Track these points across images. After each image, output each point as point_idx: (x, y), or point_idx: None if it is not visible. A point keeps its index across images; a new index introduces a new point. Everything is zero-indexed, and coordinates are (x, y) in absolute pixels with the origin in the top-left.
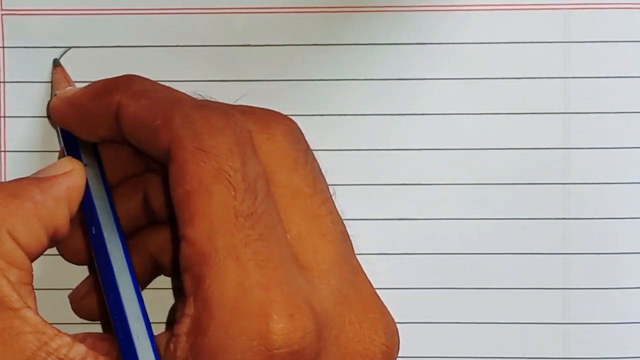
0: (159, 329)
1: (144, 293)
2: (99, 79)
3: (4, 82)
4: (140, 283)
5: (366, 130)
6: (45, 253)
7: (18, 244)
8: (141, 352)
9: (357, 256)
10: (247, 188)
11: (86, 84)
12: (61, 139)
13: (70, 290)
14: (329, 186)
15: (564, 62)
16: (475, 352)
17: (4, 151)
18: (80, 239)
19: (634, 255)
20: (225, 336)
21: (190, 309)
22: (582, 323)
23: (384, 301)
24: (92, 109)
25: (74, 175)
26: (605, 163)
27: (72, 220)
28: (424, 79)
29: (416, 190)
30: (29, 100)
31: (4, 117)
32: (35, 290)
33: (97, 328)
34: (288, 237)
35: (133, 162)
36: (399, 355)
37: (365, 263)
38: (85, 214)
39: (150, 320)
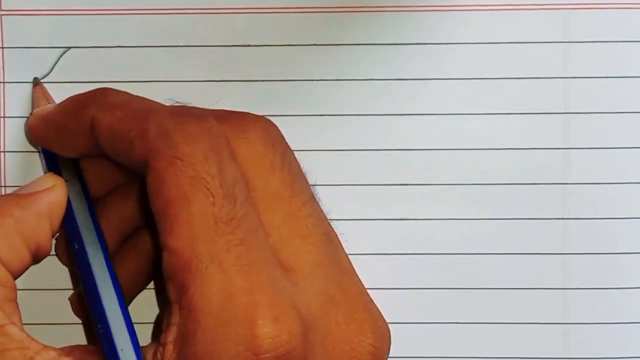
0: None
1: (144, 292)
2: (99, 79)
3: (4, 82)
4: (139, 284)
5: (366, 130)
6: None
7: (0, 261)
8: None
9: (357, 256)
10: (225, 193)
11: (86, 84)
12: (42, 157)
13: (66, 291)
14: (313, 186)
15: (564, 62)
16: (475, 352)
17: (4, 151)
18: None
19: (633, 255)
20: (211, 343)
21: (175, 317)
22: (582, 323)
23: (384, 301)
24: (67, 125)
25: (55, 191)
26: (604, 163)
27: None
28: (424, 79)
29: (416, 190)
30: (29, 101)
31: (4, 117)
32: (32, 291)
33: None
34: (270, 240)
35: (116, 173)
36: (399, 355)
37: (365, 263)
38: (67, 230)
39: (146, 321)
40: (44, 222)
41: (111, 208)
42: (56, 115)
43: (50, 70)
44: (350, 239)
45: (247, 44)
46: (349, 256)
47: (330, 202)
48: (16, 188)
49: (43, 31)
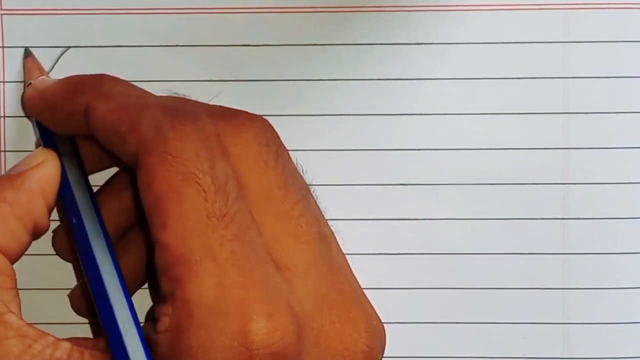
0: None
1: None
2: None
3: (4, 82)
4: (139, 278)
5: (366, 130)
6: (42, 253)
7: None
8: (128, 340)
9: (356, 256)
10: (217, 190)
11: None
12: (36, 130)
13: (65, 290)
14: (315, 186)
15: (563, 62)
16: (475, 352)
17: (4, 151)
18: (64, 237)
19: (633, 255)
20: (205, 336)
21: (168, 309)
22: (581, 323)
23: (382, 301)
24: (62, 107)
25: (46, 166)
26: (604, 163)
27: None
28: (424, 79)
29: (416, 190)
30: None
31: (4, 117)
32: (31, 290)
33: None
34: (263, 239)
35: (112, 155)
36: (398, 355)
37: (364, 263)
38: (64, 204)
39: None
40: (38, 199)
41: (109, 200)
42: (53, 94)
43: (50, 70)
44: (349, 238)
45: (246, 43)
46: (346, 255)
47: (330, 202)
48: None
49: (43, 31)
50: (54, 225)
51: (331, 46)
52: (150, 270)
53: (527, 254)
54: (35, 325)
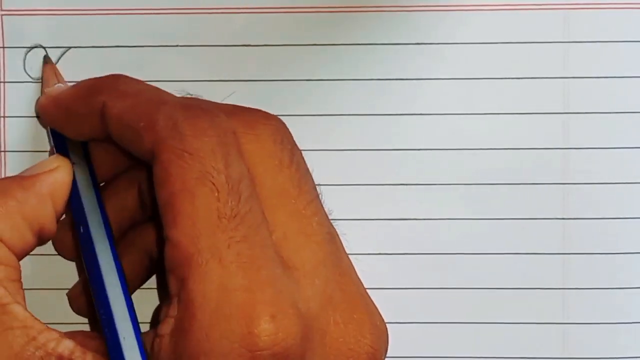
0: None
1: (141, 290)
2: None
3: (4, 82)
4: (138, 279)
5: (366, 130)
6: (42, 253)
7: (2, 241)
8: (128, 352)
9: (357, 256)
10: (230, 189)
11: None
12: (51, 138)
13: (64, 290)
14: (317, 186)
15: (563, 62)
16: (474, 352)
17: (4, 151)
18: (69, 235)
19: (633, 255)
20: (207, 338)
21: (173, 310)
22: (581, 323)
23: (383, 301)
24: (78, 109)
25: (58, 173)
26: (604, 163)
27: (60, 220)
28: (424, 79)
29: (416, 190)
30: (29, 100)
31: (4, 117)
32: (29, 290)
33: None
34: (273, 237)
35: (123, 159)
36: (398, 355)
37: (365, 263)
38: (73, 212)
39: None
40: (47, 203)
41: (112, 198)
42: (67, 98)
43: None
44: (350, 238)
45: (246, 43)
46: (349, 256)
47: (330, 202)
48: None
49: (43, 31)
50: None
51: (331, 46)
52: (160, 269)
53: (527, 254)
54: None
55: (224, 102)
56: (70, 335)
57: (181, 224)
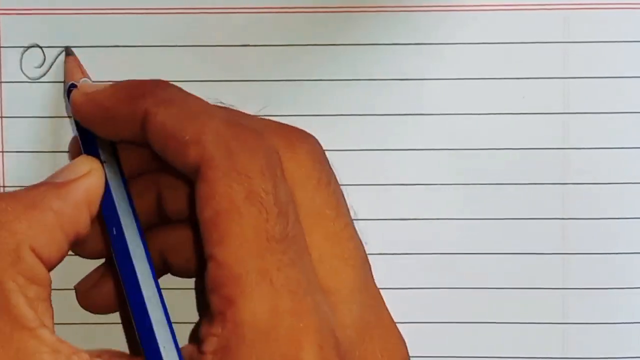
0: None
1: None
2: (98, 79)
3: (3, 82)
4: None
5: (366, 130)
6: None
7: (39, 258)
8: None
9: None
10: (279, 212)
11: None
12: (77, 131)
13: (62, 290)
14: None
15: (563, 62)
16: (474, 352)
17: (3, 151)
18: (98, 235)
19: (633, 255)
20: (255, 359)
21: (217, 329)
22: (580, 323)
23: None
24: (118, 112)
25: (92, 177)
26: (604, 163)
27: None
28: (424, 79)
29: (416, 190)
30: (28, 100)
31: (3, 117)
32: None
33: (95, 320)
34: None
35: (148, 160)
36: None
37: None
38: (105, 213)
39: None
40: (83, 210)
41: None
42: (106, 99)
43: (48, 70)
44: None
45: (246, 43)
46: None
47: None
48: (17, 188)
49: (41, 31)
50: None
51: (331, 46)
52: (200, 283)
53: (527, 254)
54: None
55: (258, 115)
56: (98, 354)
57: (228, 243)
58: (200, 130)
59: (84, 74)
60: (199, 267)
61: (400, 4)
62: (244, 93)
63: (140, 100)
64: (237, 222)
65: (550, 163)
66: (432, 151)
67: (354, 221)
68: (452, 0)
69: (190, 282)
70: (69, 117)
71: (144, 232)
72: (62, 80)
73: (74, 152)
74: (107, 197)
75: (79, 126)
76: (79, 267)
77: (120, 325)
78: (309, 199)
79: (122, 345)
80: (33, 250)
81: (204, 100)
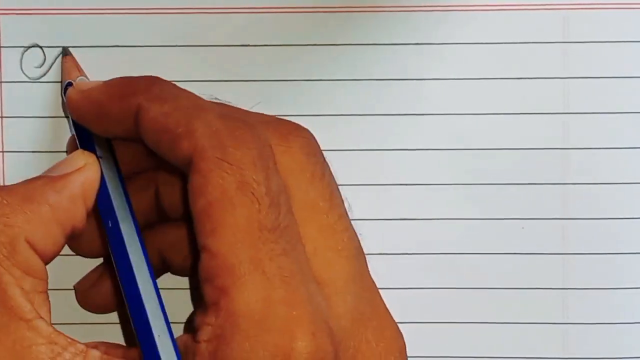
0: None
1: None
2: (97, 79)
3: (3, 82)
4: None
5: (366, 130)
6: None
7: (35, 250)
8: (163, 350)
9: None
10: (271, 202)
11: None
12: (73, 129)
13: (63, 291)
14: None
15: (563, 63)
16: (475, 352)
17: (3, 151)
18: (96, 232)
19: (633, 255)
20: (248, 349)
21: (211, 318)
22: (581, 323)
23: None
24: (111, 108)
25: (87, 170)
26: (604, 163)
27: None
28: (424, 79)
29: (416, 190)
30: (28, 100)
31: (3, 117)
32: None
33: (98, 319)
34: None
35: (145, 157)
36: None
37: None
38: (101, 207)
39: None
40: (79, 204)
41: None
42: (100, 95)
43: (48, 70)
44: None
45: (245, 43)
46: None
47: None
48: None
49: (41, 31)
50: None
51: (331, 46)
52: (194, 274)
53: (527, 254)
54: None
55: (252, 110)
56: (94, 346)
57: (220, 233)
58: (192, 123)
59: (81, 73)
60: (193, 260)
61: (400, 4)
62: (243, 93)
63: (133, 97)
64: (229, 213)
65: (550, 163)
66: (432, 151)
67: (353, 221)
68: (452, 0)
69: (187, 282)
70: (66, 117)
71: (143, 231)
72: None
73: (72, 151)
74: (103, 191)
75: (75, 124)
76: (78, 267)
77: (119, 326)
78: (303, 191)
79: None
80: (29, 243)
81: (196, 96)
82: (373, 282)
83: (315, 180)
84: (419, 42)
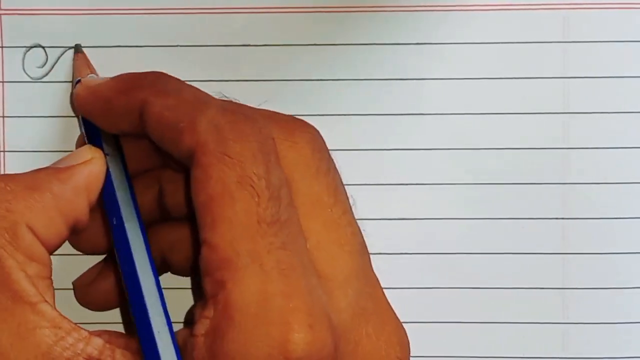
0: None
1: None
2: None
3: (3, 81)
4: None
5: (366, 130)
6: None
7: (37, 237)
8: (162, 347)
9: None
10: (270, 195)
11: None
12: (82, 126)
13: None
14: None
15: (563, 62)
16: (474, 352)
17: (4, 151)
18: (99, 229)
19: (633, 255)
20: (245, 342)
21: (209, 311)
22: (580, 323)
23: None
24: (116, 103)
25: (93, 164)
26: (604, 163)
27: (92, 210)
28: (424, 79)
29: (416, 190)
30: (30, 100)
31: (3, 117)
32: None
33: (97, 318)
34: (307, 246)
35: (150, 156)
36: None
37: None
38: (106, 204)
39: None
40: (82, 196)
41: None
42: (106, 91)
43: (50, 70)
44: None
45: (246, 43)
46: None
47: None
48: None
49: (43, 31)
50: None
51: (331, 46)
52: (193, 270)
53: (527, 254)
54: None
55: (260, 107)
56: (98, 334)
57: (220, 227)
58: (195, 118)
59: (92, 70)
60: (195, 255)
61: (400, 4)
62: (244, 93)
63: (138, 92)
64: (229, 206)
65: (550, 163)
66: (432, 151)
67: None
68: (452, 0)
69: (189, 282)
70: (76, 115)
71: (146, 229)
72: (65, 80)
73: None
74: (108, 187)
75: (84, 121)
76: (77, 267)
77: (121, 325)
78: (308, 186)
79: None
80: (31, 230)
81: (201, 91)
82: (376, 277)
83: (320, 175)
84: (419, 42)
